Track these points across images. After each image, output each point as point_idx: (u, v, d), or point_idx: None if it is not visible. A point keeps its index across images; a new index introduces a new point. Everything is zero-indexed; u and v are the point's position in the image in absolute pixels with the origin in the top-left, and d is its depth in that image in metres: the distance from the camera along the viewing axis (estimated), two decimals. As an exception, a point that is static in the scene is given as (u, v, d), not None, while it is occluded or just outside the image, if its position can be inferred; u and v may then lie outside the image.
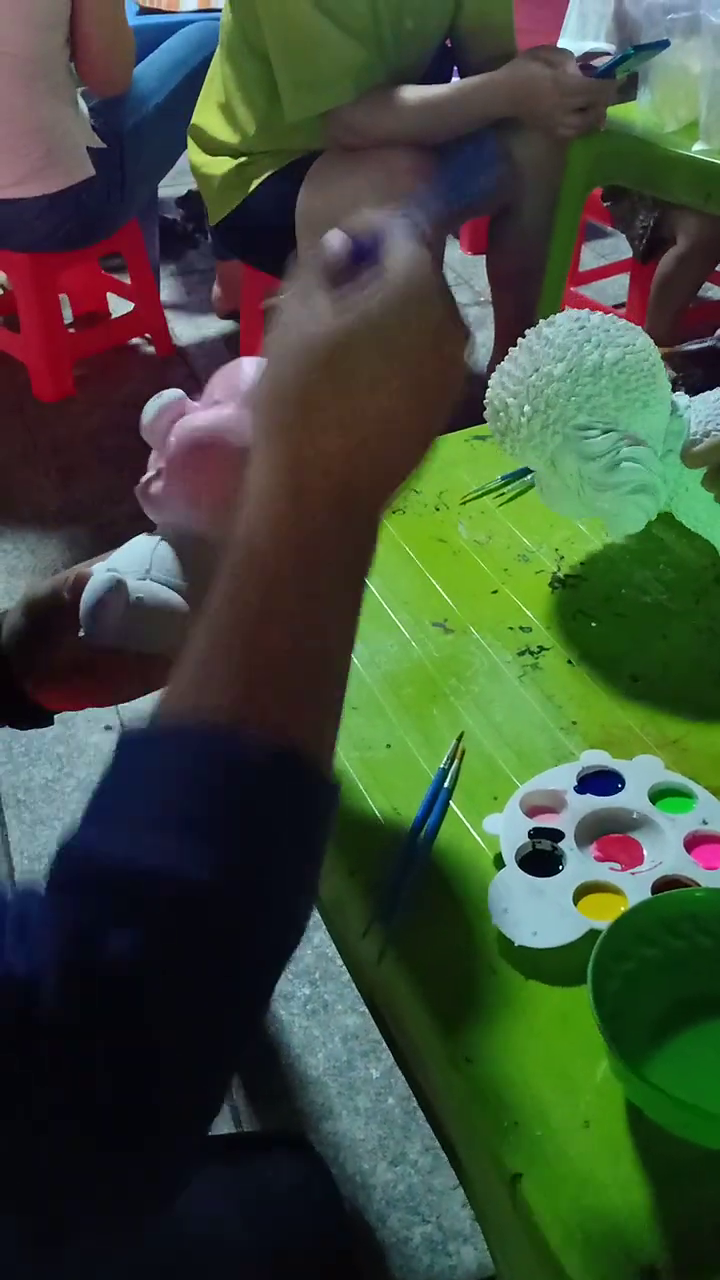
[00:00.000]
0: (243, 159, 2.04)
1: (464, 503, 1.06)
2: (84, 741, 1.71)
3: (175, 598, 0.71)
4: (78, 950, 0.38)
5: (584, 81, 1.72)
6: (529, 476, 1.07)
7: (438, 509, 1.05)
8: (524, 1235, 0.57)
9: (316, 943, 1.42)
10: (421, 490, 1.07)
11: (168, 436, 0.71)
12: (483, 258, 2.44)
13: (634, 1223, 0.55)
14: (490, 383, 0.88)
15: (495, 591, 0.96)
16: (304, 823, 0.45)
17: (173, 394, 0.72)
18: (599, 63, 1.81)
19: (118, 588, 0.68)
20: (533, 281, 2.10)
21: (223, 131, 2.05)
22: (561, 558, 0.99)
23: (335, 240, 0.52)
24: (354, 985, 1.37)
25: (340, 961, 1.40)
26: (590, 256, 2.94)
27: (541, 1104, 0.60)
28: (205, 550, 0.67)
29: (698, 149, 1.69)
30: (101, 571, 0.70)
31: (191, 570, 0.72)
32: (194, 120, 2.12)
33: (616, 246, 3.04)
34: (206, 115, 2.09)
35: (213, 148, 2.08)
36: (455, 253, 3.04)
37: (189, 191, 3.10)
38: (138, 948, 0.38)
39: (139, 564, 0.72)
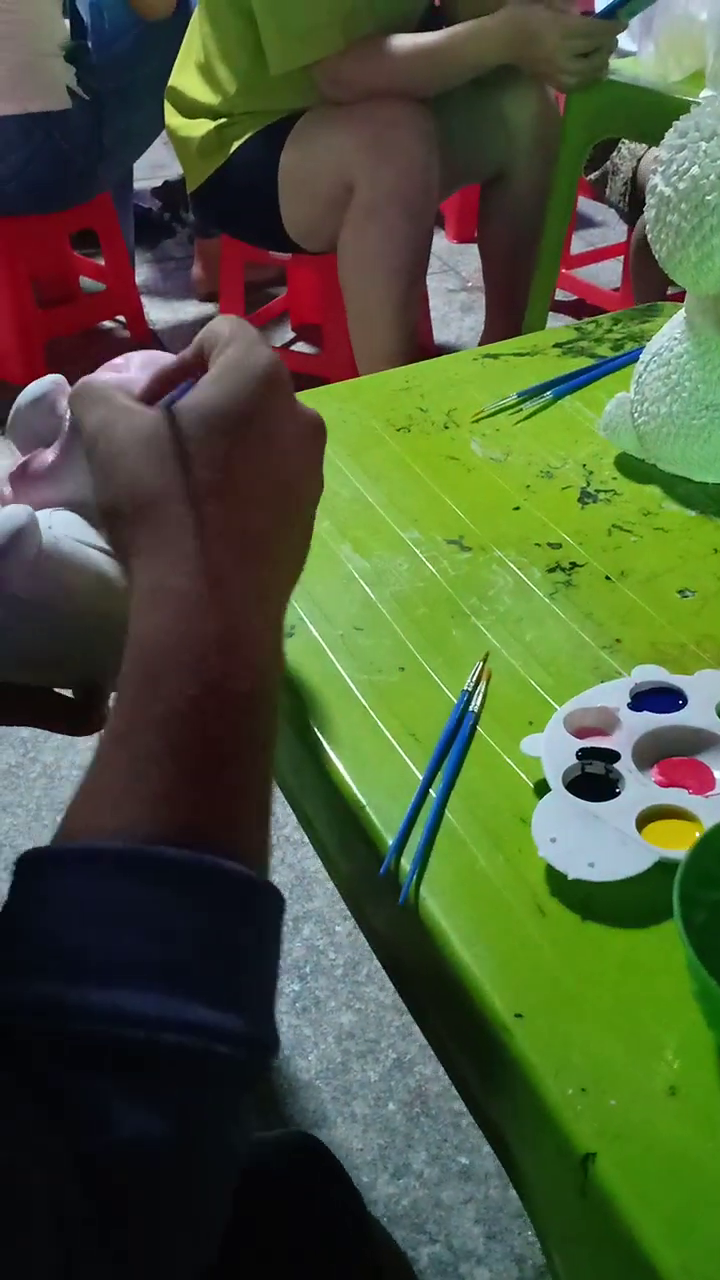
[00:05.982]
0: (222, 120, 1.93)
1: (476, 421, 0.94)
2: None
3: (97, 556, 0.58)
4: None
5: (588, 22, 1.62)
6: (549, 392, 0.96)
7: (447, 427, 0.94)
8: (602, 1230, 0.44)
9: (306, 934, 1.29)
10: (428, 409, 0.96)
11: (54, 416, 0.64)
12: (468, 246, 2.34)
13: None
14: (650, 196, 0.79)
15: (517, 508, 0.84)
16: (273, 940, 0.42)
17: (51, 379, 0.65)
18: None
19: (29, 525, 0.54)
20: (527, 254, 2.00)
21: (201, 92, 1.95)
22: (590, 473, 0.87)
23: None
24: (347, 980, 1.24)
25: (332, 955, 1.27)
26: (580, 245, 2.86)
27: (613, 1067, 0.48)
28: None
29: (705, 95, 1.60)
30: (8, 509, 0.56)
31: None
32: (171, 82, 2.02)
33: (606, 235, 2.97)
34: (184, 76, 1.98)
35: (191, 110, 1.97)
36: (441, 241, 2.95)
37: (165, 181, 3.02)
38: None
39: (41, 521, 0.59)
